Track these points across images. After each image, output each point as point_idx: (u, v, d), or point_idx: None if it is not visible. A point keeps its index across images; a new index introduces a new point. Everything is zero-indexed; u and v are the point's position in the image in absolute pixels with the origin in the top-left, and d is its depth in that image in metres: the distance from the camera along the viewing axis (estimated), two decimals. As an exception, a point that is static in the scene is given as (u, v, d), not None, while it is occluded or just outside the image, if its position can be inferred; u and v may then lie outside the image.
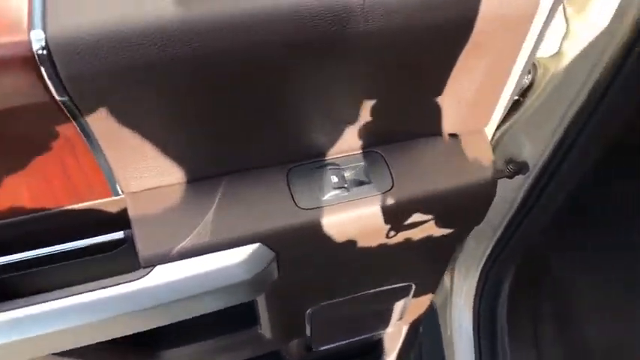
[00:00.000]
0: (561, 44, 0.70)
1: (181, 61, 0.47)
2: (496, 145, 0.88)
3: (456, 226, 0.72)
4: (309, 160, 0.65)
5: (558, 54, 0.71)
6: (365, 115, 0.60)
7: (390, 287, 0.88)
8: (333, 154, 0.65)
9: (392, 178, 0.64)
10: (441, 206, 0.66)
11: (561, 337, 1.20)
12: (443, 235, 0.73)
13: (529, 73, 0.76)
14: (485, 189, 0.66)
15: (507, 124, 0.83)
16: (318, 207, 0.63)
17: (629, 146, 1.28)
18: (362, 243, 0.69)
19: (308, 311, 0.89)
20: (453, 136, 0.65)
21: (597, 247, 1.34)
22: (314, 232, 0.63)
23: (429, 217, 0.66)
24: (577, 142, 0.74)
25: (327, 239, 0.65)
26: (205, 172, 0.64)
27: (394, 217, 0.65)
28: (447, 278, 1.17)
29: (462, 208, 0.68)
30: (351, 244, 0.68)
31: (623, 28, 0.62)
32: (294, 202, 0.63)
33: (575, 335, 1.20)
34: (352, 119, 0.61)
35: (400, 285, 0.88)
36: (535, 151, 0.81)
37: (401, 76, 0.57)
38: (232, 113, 0.56)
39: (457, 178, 0.65)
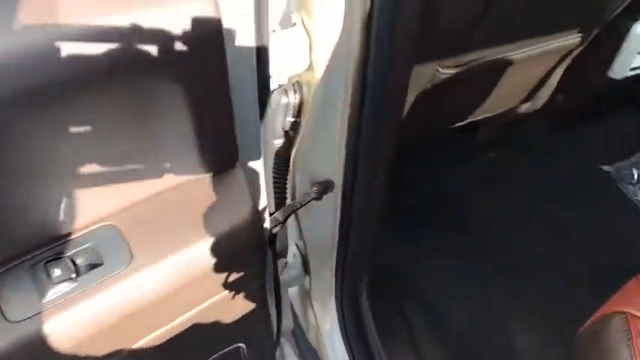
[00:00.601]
0: (310, 56, 0.66)
1: None
2: (295, 170, 0.83)
3: (240, 272, 0.64)
4: (23, 258, 0.53)
5: (310, 67, 0.67)
6: (84, 180, 0.50)
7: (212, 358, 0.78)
8: (53, 241, 0.54)
9: (130, 250, 0.55)
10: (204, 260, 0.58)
11: (431, 328, 1.20)
12: (233, 286, 0.65)
13: (295, 92, 0.71)
14: (250, 224, 0.59)
15: (296, 148, 0.78)
16: (36, 314, 0.51)
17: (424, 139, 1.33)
18: (118, 335, 0.58)
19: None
20: (201, 179, 0.57)
21: (440, 241, 1.37)
22: (37, 345, 0.51)
23: (193, 276, 0.58)
24: (361, 147, 0.71)
25: (59, 348, 0.53)
26: None
27: (145, 292, 0.55)
28: (311, 316, 1.12)
29: (232, 253, 0.60)
30: (105, 339, 0.57)
31: (355, 31, 0.59)
32: (4, 316, 0.50)
33: (444, 324, 1.20)
34: (69, 190, 0.50)
35: (226, 351, 0.78)
36: (331, 166, 0.77)
37: (117, 123, 0.48)
38: None
39: (214, 226, 0.57)
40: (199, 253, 0.55)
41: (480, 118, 1.32)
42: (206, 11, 0.42)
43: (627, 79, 1.24)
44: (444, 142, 1.44)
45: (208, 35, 0.44)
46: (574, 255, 1.31)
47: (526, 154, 1.56)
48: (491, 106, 1.25)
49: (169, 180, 0.55)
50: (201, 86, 0.48)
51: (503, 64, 1.05)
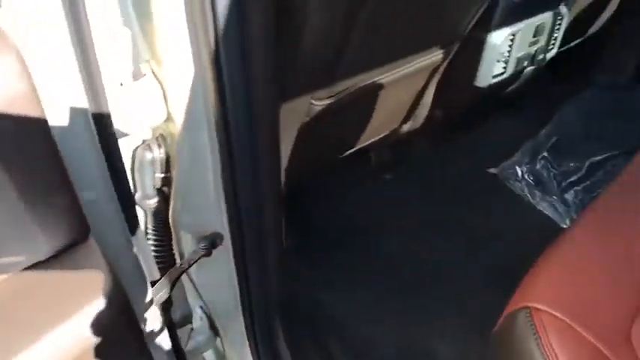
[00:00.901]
0: (167, 106, 0.62)
1: None
2: (177, 228, 0.78)
3: (112, 356, 0.56)
4: None
5: (170, 118, 0.63)
6: None
7: None
8: None
9: None
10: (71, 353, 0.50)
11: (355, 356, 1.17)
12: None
13: (159, 146, 0.67)
14: (110, 300, 0.52)
15: (172, 207, 0.73)
16: None
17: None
18: None
19: None
20: (46, 261, 0.50)
21: (349, 266, 1.36)
22: None
23: None
24: (240, 194, 0.67)
25: None
26: None
27: None
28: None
29: (96, 336, 0.52)
30: None
31: (206, 73, 0.56)
32: None
33: (367, 354, 1.17)
34: None
35: None
36: (216, 218, 0.73)
37: None
38: None
39: (65, 311, 0.49)
40: (50, 346, 0.47)
41: (367, 143, 1.34)
42: (9, 73, 0.37)
43: (491, 86, 1.32)
44: (340, 169, 1.45)
45: (16, 101, 0.39)
46: (478, 257, 1.35)
47: (417, 171, 1.60)
48: (374, 130, 1.28)
49: (6, 269, 0.47)
50: (18, 160, 0.42)
51: (375, 89, 1.08)
